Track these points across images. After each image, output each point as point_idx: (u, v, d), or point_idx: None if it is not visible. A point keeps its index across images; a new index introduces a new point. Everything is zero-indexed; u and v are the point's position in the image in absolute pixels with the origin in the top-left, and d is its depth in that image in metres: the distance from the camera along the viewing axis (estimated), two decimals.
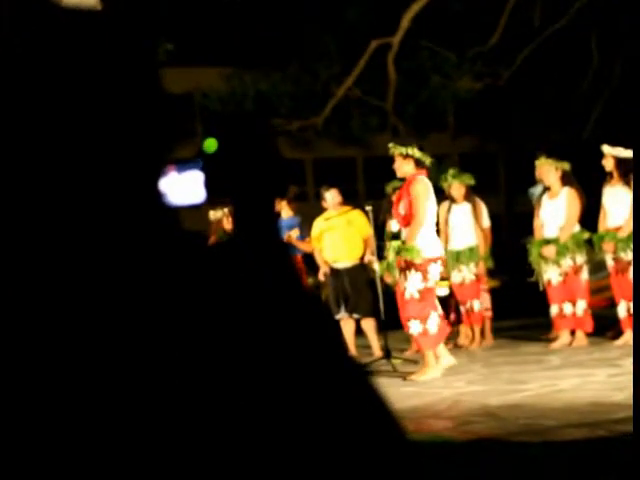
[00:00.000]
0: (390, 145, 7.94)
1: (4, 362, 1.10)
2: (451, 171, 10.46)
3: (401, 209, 7.78)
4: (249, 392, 1.17)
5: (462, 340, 10.86)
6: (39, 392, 1.10)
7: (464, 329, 10.37)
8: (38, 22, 1.19)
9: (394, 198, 8.31)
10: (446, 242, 10.27)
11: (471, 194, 10.33)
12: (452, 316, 10.91)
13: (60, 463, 1.08)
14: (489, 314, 10.70)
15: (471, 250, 10.18)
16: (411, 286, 7.70)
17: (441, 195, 11.20)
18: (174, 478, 1.12)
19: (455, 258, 10.19)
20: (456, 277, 10.25)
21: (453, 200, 10.30)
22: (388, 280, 9.47)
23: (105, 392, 1.11)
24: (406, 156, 7.80)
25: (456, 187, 10.29)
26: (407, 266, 7.71)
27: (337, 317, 9.62)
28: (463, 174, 10.36)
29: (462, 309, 10.31)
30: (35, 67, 1.15)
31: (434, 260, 7.73)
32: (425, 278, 7.67)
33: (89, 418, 1.10)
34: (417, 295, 7.66)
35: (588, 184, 9.83)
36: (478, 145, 25.45)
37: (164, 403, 1.13)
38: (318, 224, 10.03)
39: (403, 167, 7.81)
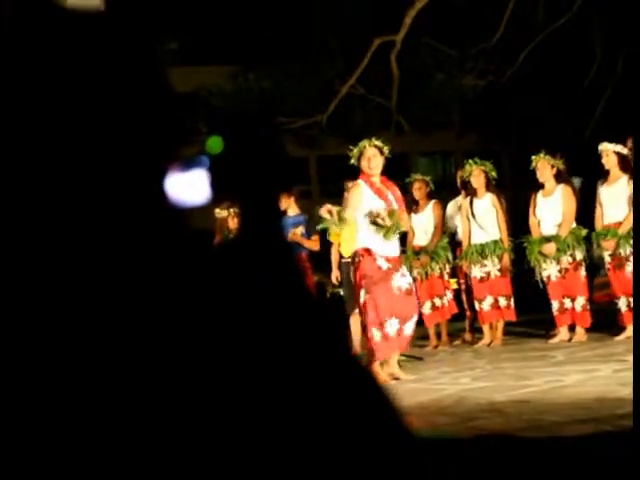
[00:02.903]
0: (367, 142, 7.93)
1: (6, 361, 1.11)
2: (471, 160, 10.42)
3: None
4: (251, 391, 1.18)
5: (468, 337, 10.87)
6: (40, 391, 1.11)
7: (487, 327, 10.26)
8: (41, 23, 1.19)
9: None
10: (469, 237, 10.26)
11: (492, 186, 10.30)
12: (468, 313, 10.91)
13: (60, 463, 1.09)
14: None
15: (495, 243, 10.12)
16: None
17: (450, 190, 11.21)
18: (175, 478, 1.13)
19: (479, 252, 10.14)
20: (477, 272, 10.17)
21: (474, 194, 10.27)
22: None
23: (106, 391, 1.12)
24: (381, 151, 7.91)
25: (476, 175, 10.23)
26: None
27: (356, 312, 9.56)
28: (484, 162, 10.33)
29: (477, 306, 10.23)
30: (38, 68, 1.16)
31: None
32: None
33: (90, 417, 1.11)
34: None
35: (592, 181, 9.86)
36: (483, 142, 25.39)
37: (166, 403, 1.14)
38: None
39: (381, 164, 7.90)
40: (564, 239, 9.50)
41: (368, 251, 7.56)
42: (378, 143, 7.79)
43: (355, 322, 9.62)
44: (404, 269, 7.81)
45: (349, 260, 9.60)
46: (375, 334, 7.38)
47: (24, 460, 1.11)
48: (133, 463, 1.13)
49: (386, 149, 7.84)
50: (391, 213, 7.55)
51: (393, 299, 7.45)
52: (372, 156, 7.72)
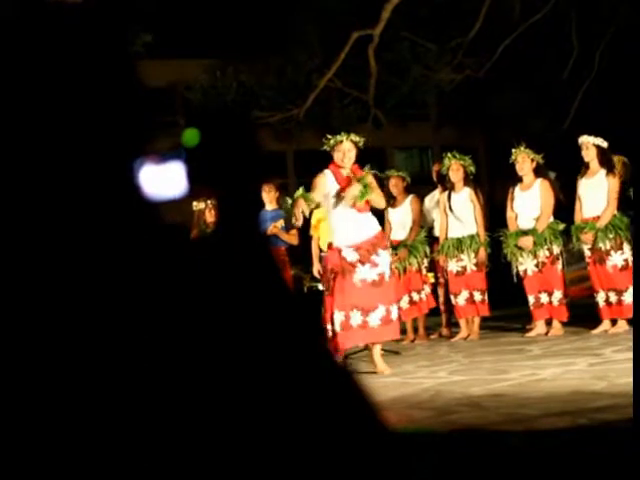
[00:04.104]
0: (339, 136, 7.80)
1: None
2: (449, 154, 10.43)
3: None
4: (226, 384, 1.18)
5: (444, 331, 10.91)
6: (35, 390, 1.10)
7: (463, 322, 10.30)
8: (19, 14, 1.18)
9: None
10: (446, 231, 10.29)
11: (470, 180, 10.32)
12: (442, 307, 10.95)
13: (60, 462, 1.08)
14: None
15: (472, 237, 10.15)
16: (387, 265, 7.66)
17: (427, 184, 11.23)
18: (167, 476, 1.12)
19: (455, 246, 10.16)
20: (454, 266, 10.20)
21: (452, 188, 10.29)
22: None
23: (87, 389, 1.11)
24: (355, 144, 7.76)
25: (455, 169, 10.25)
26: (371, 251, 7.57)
27: None
28: (463, 157, 10.34)
29: (453, 300, 10.27)
30: (13, 59, 1.15)
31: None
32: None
33: (84, 417, 1.10)
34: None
35: (566, 175, 9.91)
36: (460, 136, 25.48)
37: (137, 396, 1.13)
38: (316, 213, 9.91)
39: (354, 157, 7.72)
40: (541, 233, 9.55)
41: (330, 245, 7.58)
42: (354, 138, 7.72)
43: None
44: (380, 256, 7.55)
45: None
46: (336, 324, 7.36)
47: (24, 459, 1.10)
48: (131, 462, 1.13)
49: (362, 142, 7.77)
50: (360, 177, 7.50)
51: (353, 291, 7.35)
52: (347, 151, 7.66)
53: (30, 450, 1.11)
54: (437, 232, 10.74)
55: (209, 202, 10.25)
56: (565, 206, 9.75)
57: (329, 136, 7.86)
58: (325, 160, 7.95)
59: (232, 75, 18.37)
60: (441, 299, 10.90)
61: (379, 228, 7.76)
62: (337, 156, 7.67)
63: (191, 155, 1.36)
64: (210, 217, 10.38)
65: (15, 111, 1.17)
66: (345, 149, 7.67)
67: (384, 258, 7.59)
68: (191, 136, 1.37)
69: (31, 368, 1.12)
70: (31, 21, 1.20)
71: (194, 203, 10.58)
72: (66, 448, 1.11)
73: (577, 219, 9.43)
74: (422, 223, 10.88)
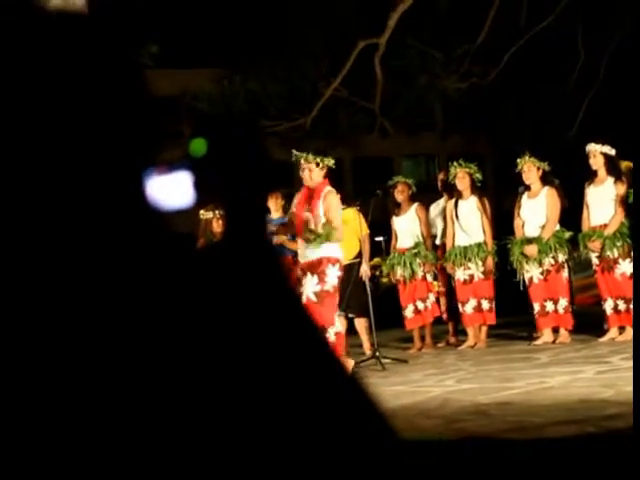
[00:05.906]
0: (299, 154, 8.04)
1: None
2: (455, 162, 10.45)
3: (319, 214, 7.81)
4: (235, 395, 1.18)
5: (451, 339, 10.90)
6: (36, 393, 1.10)
7: (471, 330, 10.27)
8: (23, 25, 1.19)
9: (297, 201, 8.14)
10: (453, 239, 10.30)
11: (477, 188, 10.33)
12: (445, 315, 10.95)
13: (59, 464, 1.09)
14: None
15: (479, 246, 10.14)
16: (309, 289, 7.64)
17: (434, 192, 11.25)
18: (167, 477, 1.13)
19: (463, 254, 10.16)
20: (461, 275, 10.19)
21: (460, 196, 10.30)
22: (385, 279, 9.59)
23: (97, 393, 1.12)
24: (318, 165, 7.96)
25: (461, 177, 10.26)
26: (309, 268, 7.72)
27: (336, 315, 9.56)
28: (469, 164, 10.35)
29: (460, 308, 10.25)
30: (18, 69, 1.16)
31: (332, 262, 7.69)
32: (322, 281, 7.62)
33: (85, 419, 1.11)
34: (314, 299, 7.56)
35: (573, 183, 9.91)
36: (467, 145, 25.48)
37: (147, 404, 1.14)
38: None
39: (317, 176, 7.94)
40: (546, 241, 9.54)
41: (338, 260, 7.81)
42: (305, 156, 7.98)
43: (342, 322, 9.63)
44: (307, 280, 7.68)
45: None
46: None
47: (24, 460, 1.10)
48: (131, 464, 1.13)
49: (316, 160, 7.97)
50: (324, 225, 7.73)
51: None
52: (301, 170, 7.99)
53: (29, 450, 1.11)
54: (438, 240, 10.76)
55: (217, 212, 10.25)
56: (570, 212, 9.76)
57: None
58: (330, 169, 8.05)
59: (239, 84, 18.39)
60: (443, 307, 10.90)
61: (320, 255, 7.76)
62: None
63: (198, 164, 1.37)
64: (218, 227, 10.38)
65: (21, 120, 1.17)
66: (301, 167, 8.02)
67: (308, 282, 7.68)
68: (198, 145, 1.37)
69: (31, 369, 1.13)
70: (35, 31, 1.21)
71: (201, 212, 10.59)
72: (65, 448, 1.12)
73: (585, 227, 9.43)
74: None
